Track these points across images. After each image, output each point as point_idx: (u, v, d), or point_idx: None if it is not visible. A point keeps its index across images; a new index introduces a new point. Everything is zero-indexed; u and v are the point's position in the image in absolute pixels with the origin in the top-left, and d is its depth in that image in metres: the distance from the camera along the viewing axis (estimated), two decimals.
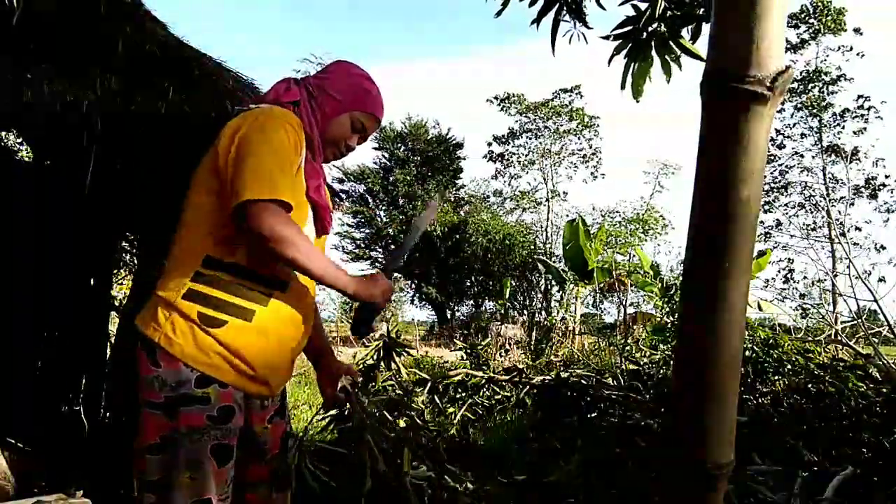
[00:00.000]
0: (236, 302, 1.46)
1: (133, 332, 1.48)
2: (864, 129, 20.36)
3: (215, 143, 1.50)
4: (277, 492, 1.64)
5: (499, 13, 2.94)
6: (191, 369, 1.41)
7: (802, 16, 20.60)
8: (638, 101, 2.83)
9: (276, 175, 1.42)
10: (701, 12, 2.63)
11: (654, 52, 2.71)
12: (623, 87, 2.80)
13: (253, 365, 1.48)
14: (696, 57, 2.67)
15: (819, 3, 20.28)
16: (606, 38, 2.78)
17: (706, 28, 2.58)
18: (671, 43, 2.70)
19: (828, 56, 20.71)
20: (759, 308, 8.86)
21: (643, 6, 2.69)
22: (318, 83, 1.66)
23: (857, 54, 20.45)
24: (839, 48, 20.52)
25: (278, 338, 1.53)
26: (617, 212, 23.72)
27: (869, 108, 20.46)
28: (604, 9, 2.84)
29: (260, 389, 1.54)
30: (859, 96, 20.60)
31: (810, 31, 20.63)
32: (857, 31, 20.34)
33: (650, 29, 2.70)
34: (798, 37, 20.73)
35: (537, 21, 2.83)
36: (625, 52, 2.75)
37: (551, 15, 2.82)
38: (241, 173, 1.40)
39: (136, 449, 1.46)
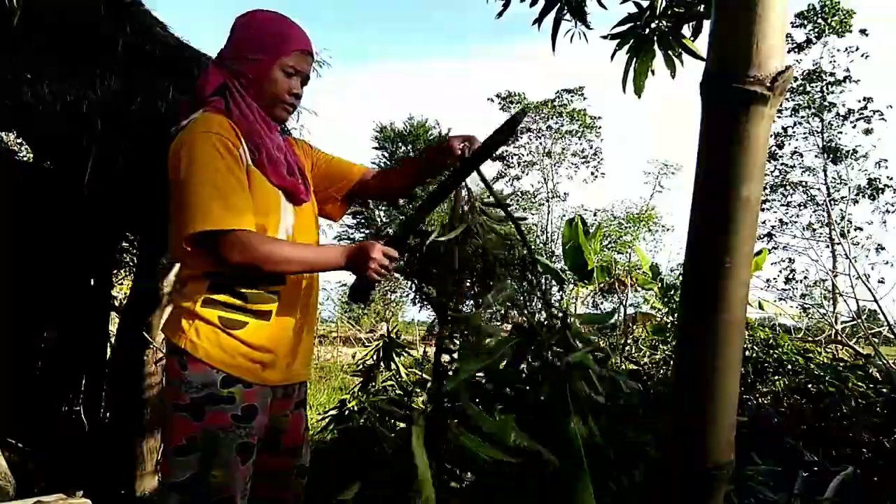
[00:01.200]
0: (252, 307, 1.50)
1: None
2: (871, 129, 20.31)
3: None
4: (288, 484, 1.65)
5: (500, 14, 2.94)
6: (216, 371, 1.45)
7: (810, 14, 20.53)
8: (639, 98, 2.83)
9: (216, 202, 1.40)
10: (702, 9, 2.63)
11: (656, 47, 2.71)
12: (624, 85, 2.79)
13: (277, 355, 1.53)
14: (697, 56, 2.66)
15: (826, 4, 20.21)
16: (606, 37, 2.78)
17: (706, 25, 2.58)
18: (672, 40, 2.70)
19: (833, 57, 20.66)
20: (761, 307, 8.85)
21: (644, 3, 2.69)
22: (231, 53, 1.57)
23: (862, 55, 20.39)
24: (846, 50, 20.45)
25: (296, 326, 1.59)
26: (609, 211, 23.72)
27: (874, 111, 20.41)
28: (605, 8, 2.84)
29: (285, 376, 1.58)
30: (863, 98, 20.56)
31: (816, 30, 20.56)
32: (863, 31, 20.26)
33: (652, 25, 2.70)
34: (805, 35, 20.66)
35: (538, 21, 2.83)
36: (626, 48, 2.75)
37: (552, 15, 2.82)
38: (185, 208, 1.41)
39: (163, 453, 1.49)
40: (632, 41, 2.73)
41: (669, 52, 2.72)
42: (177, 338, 1.47)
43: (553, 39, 2.83)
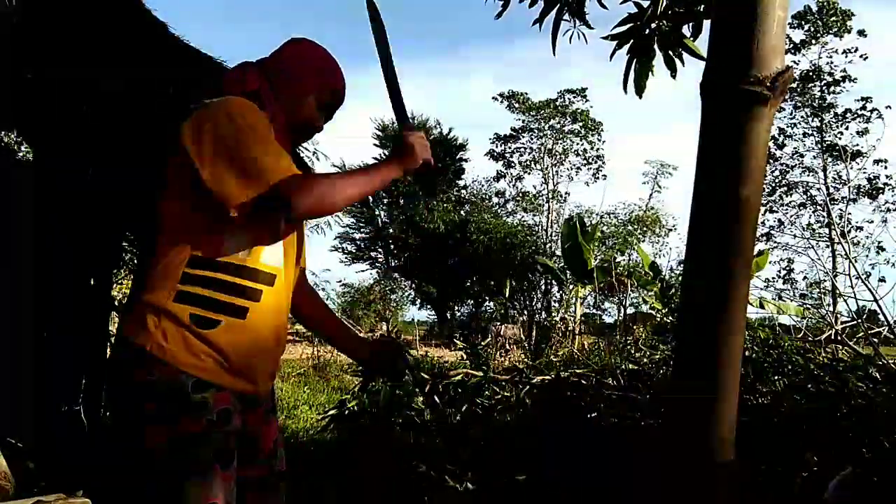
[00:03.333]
0: (231, 301, 1.43)
1: (119, 340, 1.45)
2: (867, 129, 20.31)
3: (177, 146, 1.44)
4: (273, 490, 1.62)
5: (499, 14, 2.94)
6: (186, 375, 1.39)
7: (807, 16, 20.51)
8: (640, 98, 2.83)
9: (271, 156, 1.39)
10: (702, 9, 2.63)
11: (656, 47, 2.71)
12: (625, 85, 2.79)
13: (245, 362, 1.47)
14: (698, 56, 2.66)
15: (824, 4, 20.19)
16: (608, 38, 2.78)
17: (706, 25, 2.57)
18: (672, 40, 2.70)
19: (831, 58, 20.65)
20: (762, 306, 8.84)
21: (645, 3, 2.69)
22: (277, 65, 1.59)
23: (861, 56, 20.38)
24: (845, 52, 20.42)
25: (269, 332, 1.52)
26: (610, 213, 23.72)
27: (872, 111, 20.41)
28: (605, 8, 2.84)
29: (247, 387, 1.51)
30: (862, 98, 20.55)
31: (813, 31, 20.54)
32: (861, 33, 20.24)
33: (652, 26, 2.70)
34: (802, 36, 20.64)
35: (539, 21, 2.83)
36: (626, 48, 2.75)
37: (552, 15, 2.82)
38: (230, 172, 1.36)
39: (137, 459, 1.44)
40: (632, 41, 2.73)
41: (670, 52, 2.72)
42: (140, 338, 1.39)
43: (553, 40, 2.83)
